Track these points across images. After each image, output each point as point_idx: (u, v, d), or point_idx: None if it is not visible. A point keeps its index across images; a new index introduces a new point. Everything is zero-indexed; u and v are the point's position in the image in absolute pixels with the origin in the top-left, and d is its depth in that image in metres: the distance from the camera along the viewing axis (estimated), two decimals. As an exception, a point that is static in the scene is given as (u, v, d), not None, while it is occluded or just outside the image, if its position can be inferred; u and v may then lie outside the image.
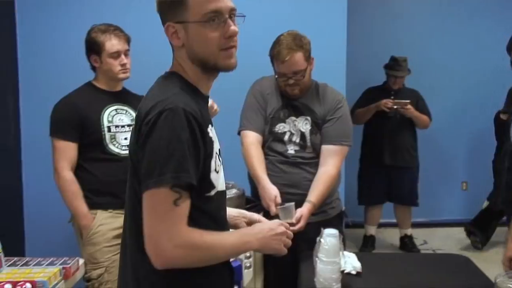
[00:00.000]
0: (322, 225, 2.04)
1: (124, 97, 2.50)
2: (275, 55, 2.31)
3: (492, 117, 4.20)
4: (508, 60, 2.55)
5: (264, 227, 1.38)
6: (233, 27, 1.27)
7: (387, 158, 4.18)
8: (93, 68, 2.46)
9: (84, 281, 2.38)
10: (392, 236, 4.66)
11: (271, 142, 2.42)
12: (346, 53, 3.28)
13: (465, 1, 4.90)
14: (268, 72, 2.47)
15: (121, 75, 2.41)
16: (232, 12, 1.29)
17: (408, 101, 4.05)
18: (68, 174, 2.34)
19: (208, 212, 1.29)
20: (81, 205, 2.34)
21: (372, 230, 4.47)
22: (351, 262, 2.04)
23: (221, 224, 1.37)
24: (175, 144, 1.16)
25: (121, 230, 1.84)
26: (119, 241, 2.27)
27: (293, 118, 2.40)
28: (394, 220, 4.52)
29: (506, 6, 4.83)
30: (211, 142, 1.27)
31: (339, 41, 3.20)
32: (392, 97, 4.14)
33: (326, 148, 2.37)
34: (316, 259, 1.87)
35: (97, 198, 2.38)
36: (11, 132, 3.22)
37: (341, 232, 2.47)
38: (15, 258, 2.14)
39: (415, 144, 4.30)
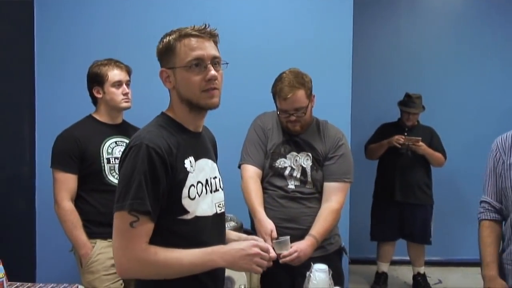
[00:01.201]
0: (321, 261, 2.05)
1: (124, 130, 2.59)
2: (277, 92, 2.37)
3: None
4: None
5: (234, 247, 1.50)
6: (212, 72, 1.48)
7: (398, 195, 4.16)
8: (94, 102, 2.58)
9: None
10: (406, 274, 4.59)
11: (271, 177, 2.45)
12: (351, 89, 3.32)
13: (477, 40, 4.92)
14: (270, 107, 2.53)
15: (124, 104, 2.52)
16: (214, 60, 1.51)
17: (419, 138, 4.05)
18: (67, 205, 2.42)
19: (184, 235, 1.48)
20: (80, 235, 2.41)
21: (384, 267, 4.41)
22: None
23: (202, 247, 1.48)
24: (135, 175, 1.39)
25: None
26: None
27: (294, 153, 2.44)
28: (408, 258, 4.46)
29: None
30: (184, 172, 1.48)
31: (344, 79, 3.27)
32: (405, 134, 4.16)
33: (329, 185, 2.41)
34: (305, 294, 1.88)
35: (96, 228, 2.44)
36: (27, 160, 3.35)
37: (339, 268, 2.51)
38: (18, 283, 2.23)
39: (429, 181, 4.27)
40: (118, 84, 2.50)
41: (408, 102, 4.24)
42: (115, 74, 2.49)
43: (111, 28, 3.38)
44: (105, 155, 2.48)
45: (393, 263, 4.57)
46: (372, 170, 4.37)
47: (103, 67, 2.51)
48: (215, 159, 1.70)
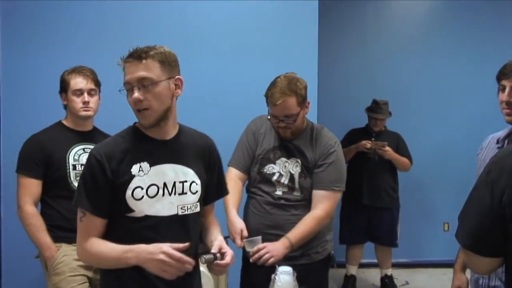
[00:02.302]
0: (305, 269, 2.06)
1: (92, 137, 2.58)
2: (268, 97, 2.34)
3: (473, 157, 4.26)
4: (490, 103, 2.68)
5: (148, 249, 1.59)
6: (134, 96, 1.62)
7: (366, 199, 4.25)
8: (65, 107, 2.59)
9: None
10: (374, 276, 4.68)
11: (259, 183, 2.45)
12: (318, 96, 3.37)
13: (442, 46, 5.05)
14: (256, 112, 2.57)
15: (82, 113, 2.51)
16: (142, 81, 1.62)
17: (385, 143, 4.14)
18: (30, 209, 2.41)
19: (133, 231, 1.66)
20: (44, 237, 2.41)
21: (353, 270, 4.49)
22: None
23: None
24: (80, 178, 1.68)
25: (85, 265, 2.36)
26: (82, 271, 2.42)
27: (284, 159, 2.42)
28: (376, 260, 4.55)
29: (482, 51, 4.98)
30: (128, 175, 1.65)
31: (310, 86, 3.31)
32: (372, 139, 4.24)
33: (317, 193, 2.37)
34: (271, 297, 1.92)
35: (61, 233, 2.43)
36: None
37: (324, 276, 2.54)
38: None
39: (395, 185, 4.37)
40: (79, 92, 2.50)
41: (375, 108, 4.33)
42: (76, 82, 2.49)
43: (75, 34, 3.36)
44: (71, 162, 2.48)
45: (361, 266, 4.66)
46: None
47: (69, 74, 2.52)
48: (197, 164, 1.78)
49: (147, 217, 1.66)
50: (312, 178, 2.38)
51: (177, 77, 1.71)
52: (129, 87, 1.64)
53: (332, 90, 4.76)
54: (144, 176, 1.67)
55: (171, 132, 1.76)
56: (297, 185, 2.39)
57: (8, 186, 3.24)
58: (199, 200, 1.79)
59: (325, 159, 2.38)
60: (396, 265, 4.69)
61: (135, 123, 1.76)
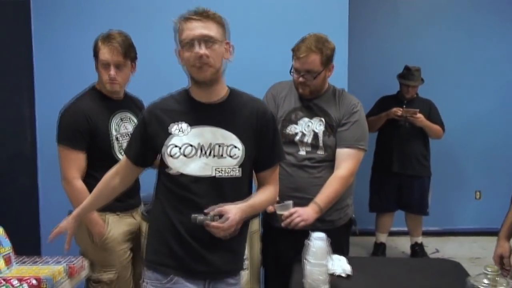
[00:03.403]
0: (328, 234, 2.07)
1: (126, 104, 2.52)
2: (295, 50, 2.38)
3: (505, 127, 4.20)
4: None
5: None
6: (197, 50, 1.68)
7: (396, 166, 4.21)
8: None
9: (89, 282, 2.46)
10: (404, 244, 4.67)
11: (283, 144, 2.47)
12: (348, 63, 3.32)
13: (475, 13, 4.92)
14: (279, 78, 2.59)
15: (108, 86, 2.39)
16: (204, 38, 1.69)
17: (417, 110, 4.08)
18: (78, 183, 2.33)
19: (168, 186, 1.78)
20: (92, 213, 2.33)
21: (383, 237, 4.49)
22: (341, 265, 2.09)
23: (184, 202, 1.75)
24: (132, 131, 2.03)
25: (128, 233, 2.50)
26: (128, 244, 2.47)
27: (307, 119, 2.43)
28: (406, 229, 4.54)
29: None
30: (166, 133, 1.75)
31: (341, 53, 3.25)
32: (404, 106, 4.18)
33: (341, 152, 2.39)
34: (305, 261, 1.94)
35: None
36: (27, 138, 3.37)
37: (346, 241, 2.56)
38: (24, 257, 2.29)
39: (426, 153, 4.31)
40: (105, 64, 2.35)
41: (407, 75, 4.25)
42: (103, 53, 2.34)
43: (108, 11, 3.35)
44: (113, 133, 2.41)
45: (391, 234, 4.64)
46: (371, 143, 4.40)
47: (100, 41, 2.37)
48: (240, 129, 1.79)
49: (181, 175, 1.75)
50: (336, 137, 2.41)
51: (227, 41, 1.79)
52: (190, 43, 1.69)
53: (364, 56, 4.66)
54: (183, 136, 1.76)
55: (218, 95, 1.80)
56: (321, 143, 2.41)
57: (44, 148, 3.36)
58: (241, 166, 1.78)
59: (349, 117, 2.41)
60: (426, 233, 4.66)
61: (184, 88, 1.85)
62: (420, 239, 4.47)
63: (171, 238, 1.77)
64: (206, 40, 1.69)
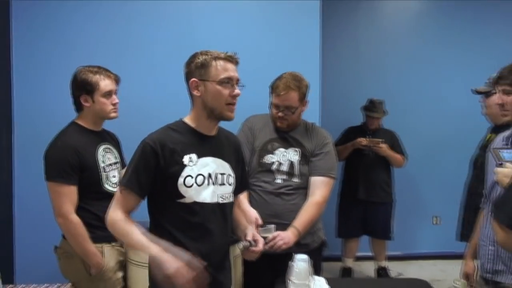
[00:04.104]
0: None
1: (105, 136, 2.58)
2: (274, 87, 2.59)
3: (462, 155, 4.46)
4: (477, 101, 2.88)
5: (167, 258, 1.71)
6: (237, 91, 1.88)
7: (362, 193, 4.42)
8: (78, 108, 2.49)
9: None
10: (369, 268, 4.85)
11: (259, 173, 2.62)
12: (320, 98, 3.52)
13: (436, 46, 5.24)
14: (254, 111, 2.77)
15: (112, 114, 2.49)
16: (237, 81, 1.90)
17: (380, 140, 4.32)
18: (75, 218, 2.34)
19: (183, 216, 1.85)
20: (90, 245, 2.37)
21: (349, 262, 4.67)
22: (320, 285, 2.22)
23: (199, 229, 1.87)
24: (133, 162, 1.85)
25: (120, 262, 2.53)
26: (121, 272, 2.55)
27: (282, 149, 2.62)
28: (371, 253, 4.74)
29: (473, 49, 5.21)
30: (180, 165, 1.84)
31: (314, 88, 3.44)
32: (368, 136, 4.41)
33: (315, 180, 2.59)
34: (289, 281, 2.08)
35: (100, 232, 2.36)
36: (4, 167, 3.39)
37: (320, 260, 2.71)
38: (10, 285, 2.30)
39: (389, 181, 4.55)
40: (108, 94, 2.45)
41: (371, 107, 4.51)
42: (106, 84, 2.43)
43: (90, 35, 3.46)
44: (101, 164, 2.45)
45: (357, 258, 4.84)
46: (338, 171, 4.59)
47: (94, 75, 2.43)
48: (231, 159, 2.00)
49: (195, 203, 1.85)
50: (309, 166, 2.60)
51: None
52: (231, 82, 1.87)
53: (332, 92, 4.89)
54: (193, 166, 1.86)
55: (215, 129, 1.97)
56: (296, 172, 2.60)
57: (21, 185, 3.38)
58: (233, 192, 2.00)
59: (321, 148, 2.64)
60: (390, 258, 4.87)
61: (180, 119, 1.95)
62: (384, 263, 4.67)
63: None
64: (238, 84, 1.91)
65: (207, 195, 1.88)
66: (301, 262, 2.10)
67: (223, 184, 1.93)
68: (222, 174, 1.94)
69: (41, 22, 3.42)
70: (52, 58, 3.40)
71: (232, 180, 1.98)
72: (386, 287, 2.50)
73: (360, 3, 5.28)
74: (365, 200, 4.44)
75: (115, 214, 1.84)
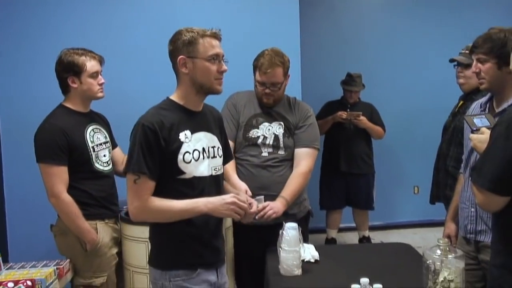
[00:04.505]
0: None
1: (94, 117, 2.64)
2: (258, 66, 2.64)
3: (438, 125, 4.60)
4: (452, 71, 2.99)
5: (217, 197, 1.92)
6: (225, 67, 1.94)
7: (343, 165, 4.55)
8: (65, 91, 2.55)
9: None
10: (352, 239, 5.02)
11: (245, 147, 2.70)
12: (300, 71, 3.61)
13: (408, 20, 5.36)
14: (238, 88, 2.83)
15: (99, 94, 2.56)
16: (222, 57, 1.95)
17: (360, 112, 4.44)
18: (67, 197, 2.42)
19: (184, 192, 1.89)
20: (83, 223, 2.45)
21: (333, 233, 4.81)
22: (310, 252, 2.35)
23: None
24: (136, 147, 1.84)
25: (114, 239, 2.62)
26: (116, 249, 2.62)
27: (267, 124, 2.71)
28: (353, 224, 4.89)
29: (447, 22, 5.33)
30: (178, 142, 1.88)
31: (294, 64, 3.51)
32: (348, 110, 4.53)
33: (299, 151, 2.70)
34: (280, 249, 2.18)
35: (93, 210, 2.51)
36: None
37: (307, 228, 2.83)
38: (11, 263, 2.38)
39: (370, 152, 4.68)
40: (95, 74, 2.52)
41: (350, 81, 4.62)
42: (93, 65, 2.50)
43: (73, 18, 3.48)
44: (90, 144, 2.51)
45: (340, 230, 5.00)
46: (320, 144, 4.70)
47: (80, 57, 2.49)
48: (217, 132, 2.08)
49: (194, 178, 1.91)
50: (294, 139, 2.69)
51: None
52: (218, 58, 1.91)
53: (311, 65, 4.97)
54: (189, 142, 1.91)
55: (202, 104, 2.03)
56: (281, 144, 2.69)
57: (8, 169, 3.42)
58: (222, 163, 2.09)
59: (305, 121, 2.73)
60: (372, 228, 5.03)
61: (167, 97, 1.98)
62: (367, 233, 4.83)
63: (190, 239, 1.93)
64: (223, 59, 1.96)
65: (204, 168, 1.94)
66: (291, 230, 2.20)
67: (214, 156, 2.00)
68: (213, 147, 2.01)
69: (23, 6, 3.42)
70: (36, 41, 3.40)
71: (221, 152, 2.06)
72: (371, 251, 2.63)
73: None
74: (347, 172, 4.57)
75: (138, 204, 1.86)
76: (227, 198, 1.90)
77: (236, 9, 3.64)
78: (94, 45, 2.67)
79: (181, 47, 1.89)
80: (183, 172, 1.89)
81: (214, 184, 2.00)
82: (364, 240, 4.80)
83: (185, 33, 1.90)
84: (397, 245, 2.79)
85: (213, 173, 1.99)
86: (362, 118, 4.45)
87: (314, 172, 4.56)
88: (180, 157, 1.88)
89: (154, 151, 1.84)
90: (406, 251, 2.53)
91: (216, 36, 1.92)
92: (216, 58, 1.90)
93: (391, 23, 5.39)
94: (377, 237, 5.10)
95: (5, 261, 3.20)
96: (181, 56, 1.89)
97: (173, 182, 1.89)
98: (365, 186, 4.66)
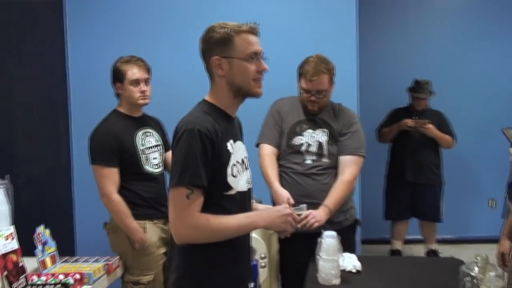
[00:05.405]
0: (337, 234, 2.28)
1: (146, 121, 2.77)
2: (304, 73, 2.61)
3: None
4: None
5: (272, 209, 1.79)
6: (265, 65, 1.71)
7: (409, 175, 4.40)
8: (118, 95, 2.72)
9: (127, 284, 2.68)
10: (419, 252, 4.81)
11: (289, 155, 2.68)
12: (359, 78, 3.54)
13: (483, 25, 5.08)
14: (284, 94, 2.82)
15: (140, 101, 2.66)
16: (262, 54, 1.72)
17: (426, 120, 4.28)
18: (117, 197, 2.56)
19: (228, 208, 1.68)
20: (132, 222, 2.58)
21: (398, 245, 4.65)
22: (351, 262, 2.30)
23: None
24: (190, 156, 1.58)
25: (163, 239, 2.65)
26: (163, 249, 2.68)
27: (311, 131, 2.68)
28: (421, 237, 4.70)
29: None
30: (227, 153, 1.67)
31: (351, 69, 3.47)
32: (415, 118, 4.38)
33: (343, 159, 2.64)
34: (318, 257, 2.15)
35: (143, 210, 2.64)
36: (64, 153, 3.68)
37: (353, 240, 2.77)
38: (67, 257, 2.56)
39: (438, 162, 4.49)
40: (135, 82, 2.62)
41: (417, 88, 4.46)
42: (133, 72, 2.61)
43: (137, 27, 3.65)
44: (139, 147, 2.63)
45: (407, 241, 4.81)
46: (382, 152, 4.60)
47: (124, 64, 2.63)
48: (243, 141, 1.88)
49: (238, 193, 1.72)
50: (338, 146, 2.65)
51: None
52: (257, 56, 1.69)
53: (375, 71, 4.88)
54: (234, 153, 1.71)
55: None
56: (325, 152, 2.64)
57: (79, 169, 3.65)
58: None
59: (349, 128, 2.67)
60: (442, 241, 4.82)
61: (203, 99, 1.76)
62: (434, 246, 4.63)
63: (232, 263, 1.75)
64: (262, 57, 1.74)
65: (243, 182, 1.76)
66: (329, 238, 2.16)
67: (247, 168, 1.83)
68: (246, 157, 1.83)
69: (94, 17, 3.64)
70: (105, 47, 3.59)
71: (249, 162, 1.87)
72: (421, 265, 2.51)
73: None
74: (413, 182, 4.41)
75: (193, 223, 1.60)
76: (282, 209, 1.74)
77: (290, 11, 3.62)
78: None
79: (214, 46, 1.67)
80: (230, 188, 1.69)
81: (249, 199, 1.83)
82: (431, 253, 4.60)
83: (218, 30, 1.67)
84: (449, 260, 2.65)
85: (248, 186, 1.81)
86: (429, 126, 4.28)
87: (379, 180, 4.56)
88: (229, 170, 1.67)
89: (209, 162, 1.61)
90: (458, 267, 2.39)
91: (253, 31, 1.69)
92: (255, 56, 1.68)
93: (464, 24, 5.15)
94: (447, 251, 4.86)
95: (72, 254, 3.48)
96: (215, 57, 1.67)
97: (218, 198, 1.67)
98: (432, 197, 4.47)
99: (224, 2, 3.65)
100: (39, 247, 2.33)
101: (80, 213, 3.66)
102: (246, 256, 1.86)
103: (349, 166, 2.62)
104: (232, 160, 1.69)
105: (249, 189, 1.82)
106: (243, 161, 1.77)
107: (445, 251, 4.82)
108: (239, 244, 1.75)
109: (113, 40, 3.62)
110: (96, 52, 3.61)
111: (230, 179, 1.67)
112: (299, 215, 2.40)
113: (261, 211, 1.79)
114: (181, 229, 1.62)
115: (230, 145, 1.69)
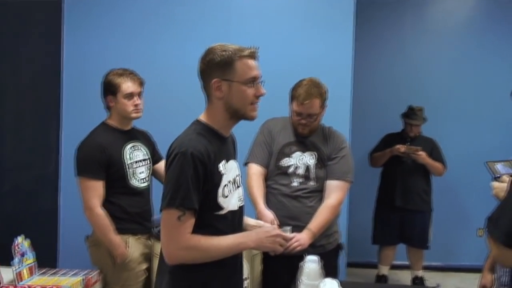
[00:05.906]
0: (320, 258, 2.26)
1: (135, 135, 2.75)
2: (296, 96, 2.61)
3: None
4: None
5: (260, 230, 1.81)
6: (263, 90, 1.76)
7: (399, 201, 4.40)
8: (108, 108, 2.69)
9: None
10: (405, 278, 4.78)
11: (276, 176, 2.68)
12: (352, 101, 3.55)
13: (477, 55, 5.11)
14: (276, 114, 2.81)
15: (133, 115, 2.64)
16: (260, 79, 1.76)
17: (419, 147, 4.28)
18: (100, 211, 2.53)
19: (220, 228, 1.72)
20: (114, 237, 2.55)
21: (385, 270, 4.63)
22: (332, 287, 2.26)
23: None
24: (182, 178, 1.61)
25: (145, 254, 2.61)
26: (145, 264, 2.65)
27: (299, 153, 2.67)
28: (407, 262, 4.67)
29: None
30: (219, 175, 1.70)
31: (345, 92, 3.48)
32: (408, 144, 4.39)
33: (330, 183, 2.64)
34: (299, 282, 2.13)
35: (127, 224, 2.61)
36: (52, 162, 3.67)
37: (336, 264, 2.75)
38: (46, 269, 2.52)
39: (428, 189, 4.49)
40: (130, 95, 2.60)
41: (411, 114, 4.48)
42: (128, 86, 2.60)
43: (130, 39, 3.66)
44: (127, 161, 2.62)
45: (394, 267, 4.79)
46: (372, 177, 4.60)
47: (117, 77, 2.60)
48: (236, 157, 1.93)
49: (229, 212, 1.75)
50: (326, 170, 2.64)
51: None
52: (255, 81, 1.73)
53: (369, 95, 4.90)
54: (226, 173, 1.74)
55: None
56: (312, 175, 2.64)
57: (66, 178, 3.62)
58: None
59: (338, 153, 2.67)
60: (429, 268, 4.80)
61: (197, 120, 1.78)
62: (420, 273, 4.60)
63: (219, 284, 1.76)
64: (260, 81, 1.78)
65: (234, 201, 1.79)
66: (311, 263, 2.14)
67: (239, 186, 1.85)
68: (237, 175, 1.86)
69: (89, 28, 3.66)
70: (100, 56, 3.61)
71: (240, 179, 1.90)
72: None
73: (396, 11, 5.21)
74: (402, 208, 4.41)
75: (183, 245, 1.63)
76: (270, 230, 1.78)
77: (286, 33, 3.64)
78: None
79: (215, 67, 1.69)
80: (221, 208, 1.72)
81: (240, 217, 1.86)
82: (417, 280, 4.57)
83: (219, 52, 1.69)
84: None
85: (239, 204, 1.83)
86: (421, 153, 4.29)
87: (369, 205, 4.54)
88: (220, 191, 1.70)
89: (200, 184, 1.63)
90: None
91: (253, 55, 1.72)
92: (254, 80, 1.72)
93: (458, 53, 5.16)
94: (433, 278, 4.83)
95: (54, 265, 3.45)
96: (215, 79, 1.69)
97: (210, 218, 1.70)
98: (420, 224, 4.46)
99: (220, 19, 3.67)
100: (16, 258, 2.30)
101: (64, 224, 3.64)
102: (236, 276, 1.88)
103: (335, 191, 2.62)
104: (224, 181, 1.72)
105: (241, 207, 1.85)
106: (234, 180, 1.80)
107: (431, 278, 4.80)
108: (228, 264, 1.76)
109: (107, 49, 3.64)
110: (91, 62, 3.62)
111: (220, 200, 1.71)
112: None
113: (250, 232, 1.80)
114: (172, 250, 1.65)
115: (222, 166, 1.72)
